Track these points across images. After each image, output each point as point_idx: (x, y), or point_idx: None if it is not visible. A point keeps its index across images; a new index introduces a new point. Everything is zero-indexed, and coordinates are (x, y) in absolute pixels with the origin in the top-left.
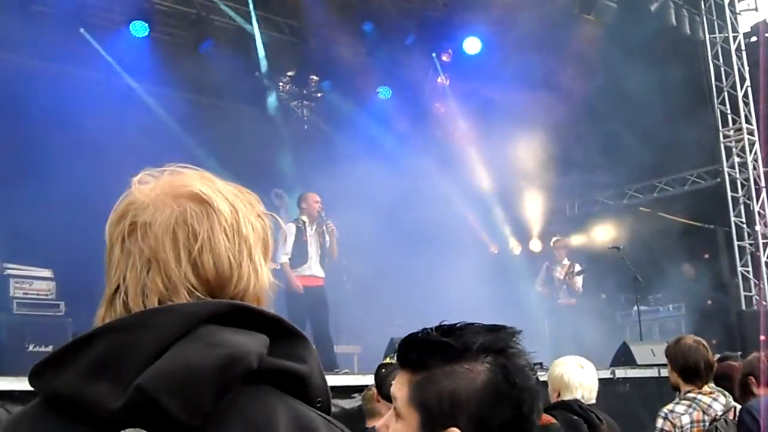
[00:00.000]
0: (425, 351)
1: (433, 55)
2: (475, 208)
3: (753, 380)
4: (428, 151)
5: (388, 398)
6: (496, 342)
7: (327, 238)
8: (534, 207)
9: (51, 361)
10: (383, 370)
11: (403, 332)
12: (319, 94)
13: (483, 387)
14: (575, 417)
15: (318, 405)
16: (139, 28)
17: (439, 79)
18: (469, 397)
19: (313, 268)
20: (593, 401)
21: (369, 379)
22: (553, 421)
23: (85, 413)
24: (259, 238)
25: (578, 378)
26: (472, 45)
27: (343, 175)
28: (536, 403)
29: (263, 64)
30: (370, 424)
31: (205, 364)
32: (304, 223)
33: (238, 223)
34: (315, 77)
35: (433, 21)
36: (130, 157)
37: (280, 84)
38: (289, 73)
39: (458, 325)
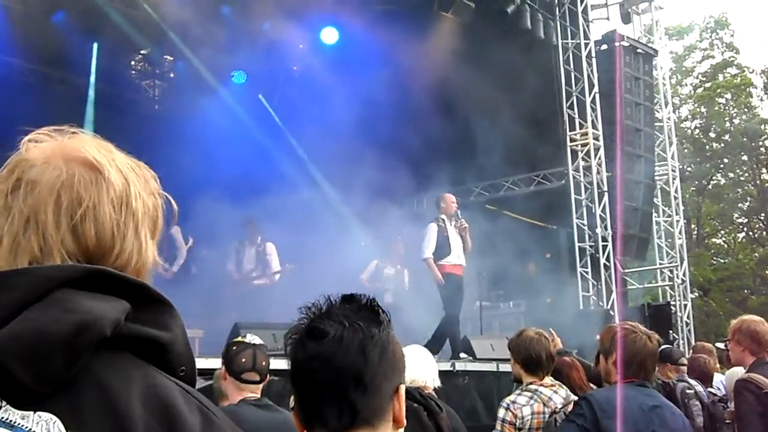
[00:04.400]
0: None
1: (294, 43)
2: (321, 200)
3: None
4: (279, 138)
5: (236, 375)
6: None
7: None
8: (378, 202)
9: None
10: (234, 348)
11: (248, 317)
12: (171, 75)
13: None
14: (415, 404)
15: (181, 374)
16: None
17: (294, 67)
18: None
19: (458, 258)
20: (430, 390)
21: (211, 363)
22: None
23: None
24: (148, 215)
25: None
26: (329, 35)
27: (191, 159)
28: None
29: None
30: (222, 404)
31: (57, 330)
32: (443, 221)
33: (128, 196)
34: (169, 57)
35: (292, 8)
36: None
37: (132, 62)
38: (143, 51)
39: None
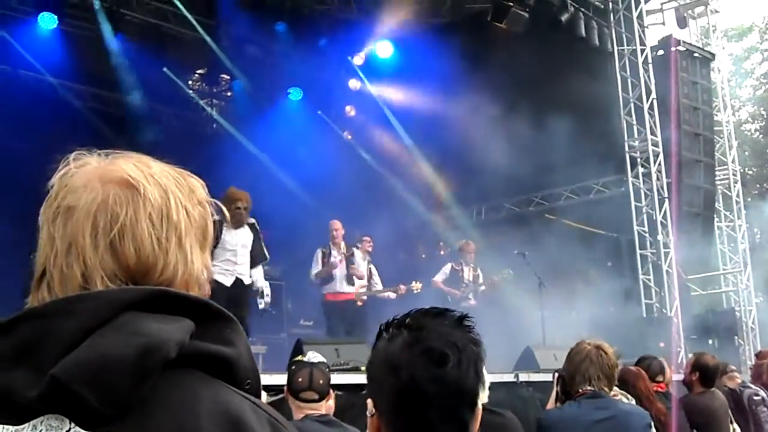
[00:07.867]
0: None
1: (349, 58)
2: (383, 211)
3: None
4: (338, 154)
5: (295, 395)
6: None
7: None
8: (442, 211)
9: None
10: (293, 367)
11: (308, 334)
12: (229, 93)
13: (374, 357)
14: None
15: (247, 387)
16: (48, 20)
17: (350, 82)
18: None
19: (340, 286)
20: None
21: (275, 379)
22: None
23: (3, 400)
24: (194, 225)
25: None
26: (384, 49)
27: (250, 176)
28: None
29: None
30: None
31: (122, 354)
32: (329, 247)
33: (168, 208)
34: (226, 76)
35: (346, 23)
36: (31, 147)
37: (190, 81)
38: (200, 71)
39: None
